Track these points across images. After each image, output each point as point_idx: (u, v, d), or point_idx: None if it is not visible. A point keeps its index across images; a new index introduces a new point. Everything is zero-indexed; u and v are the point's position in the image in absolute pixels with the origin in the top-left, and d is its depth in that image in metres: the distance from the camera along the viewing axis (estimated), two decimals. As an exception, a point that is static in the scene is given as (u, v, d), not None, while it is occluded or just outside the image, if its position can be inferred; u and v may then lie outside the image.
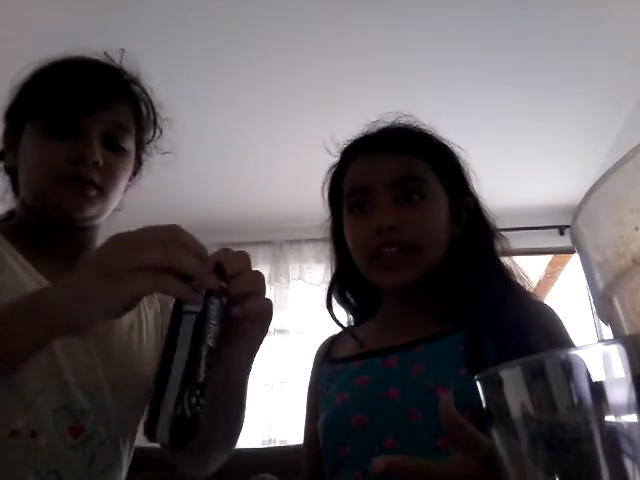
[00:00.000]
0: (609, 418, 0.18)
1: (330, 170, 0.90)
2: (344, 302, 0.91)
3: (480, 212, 0.85)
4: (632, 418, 0.17)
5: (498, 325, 0.70)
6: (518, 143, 2.72)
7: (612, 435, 0.18)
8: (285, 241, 3.47)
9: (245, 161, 2.92)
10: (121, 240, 0.51)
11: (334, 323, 0.90)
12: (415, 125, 0.86)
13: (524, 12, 1.94)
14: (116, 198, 0.83)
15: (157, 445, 0.56)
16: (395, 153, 0.80)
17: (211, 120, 2.58)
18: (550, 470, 0.20)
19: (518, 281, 0.82)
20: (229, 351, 0.56)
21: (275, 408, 3.08)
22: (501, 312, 0.72)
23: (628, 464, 0.18)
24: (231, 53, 2.16)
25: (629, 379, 0.17)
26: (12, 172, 0.84)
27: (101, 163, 0.77)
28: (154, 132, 0.91)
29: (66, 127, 0.77)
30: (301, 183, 2.54)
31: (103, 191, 0.78)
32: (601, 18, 1.97)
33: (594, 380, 0.18)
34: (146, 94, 0.89)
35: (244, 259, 0.59)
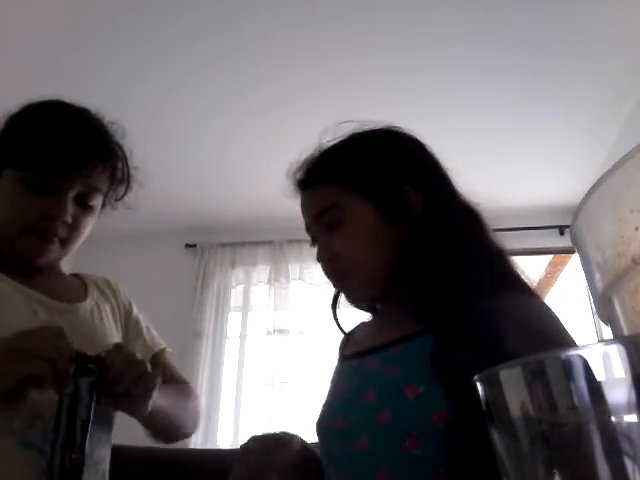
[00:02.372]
0: (609, 418, 0.18)
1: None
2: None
3: (434, 200, 0.78)
4: (632, 418, 0.17)
5: (466, 327, 0.65)
6: (518, 143, 2.72)
7: (612, 435, 0.18)
8: (285, 241, 3.47)
9: (245, 161, 2.92)
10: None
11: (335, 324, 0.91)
12: (332, 143, 0.84)
13: (524, 12, 1.94)
14: (77, 245, 0.91)
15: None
16: (310, 188, 0.84)
17: (211, 121, 2.58)
18: (550, 470, 0.20)
19: (513, 270, 0.75)
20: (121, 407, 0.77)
21: (275, 408, 3.08)
22: (470, 312, 0.66)
23: (628, 464, 0.18)
24: (227, 57, 2.16)
25: (629, 379, 0.17)
26: None
27: (70, 222, 0.84)
28: (125, 191, 0.97)
29: (44, 184, 0.82)
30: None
31: (66, 242, 0.87)
32: (601, 18, 1.96)
33: (594, 380, 0.18)
34: (125, 158, 0.94)
35: (128, 359, 0.73)
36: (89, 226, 0.90)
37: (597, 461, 0.18)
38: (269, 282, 3.43)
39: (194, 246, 3.57)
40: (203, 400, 3.14)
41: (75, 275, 1.03)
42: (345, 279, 0.80)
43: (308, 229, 0.85)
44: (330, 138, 0.85)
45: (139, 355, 0.75)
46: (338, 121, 0.84)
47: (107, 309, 0.98)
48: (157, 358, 0.99)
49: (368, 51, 2.15)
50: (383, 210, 0.78)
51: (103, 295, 1.00)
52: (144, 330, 1.02)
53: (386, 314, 0.86)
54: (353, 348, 0.84)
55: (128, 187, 0.95)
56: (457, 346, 0.63)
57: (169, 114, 2.50)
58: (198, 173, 2.98)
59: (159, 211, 3.11)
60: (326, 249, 0.80)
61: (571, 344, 0.69)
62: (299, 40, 2.09)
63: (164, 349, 1.03)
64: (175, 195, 3.14)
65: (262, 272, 3.49)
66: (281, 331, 3.24)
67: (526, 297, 0.73)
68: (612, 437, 0.18)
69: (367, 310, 0.91)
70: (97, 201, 0.89)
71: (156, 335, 1.04)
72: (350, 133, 0.84)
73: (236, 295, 3.48)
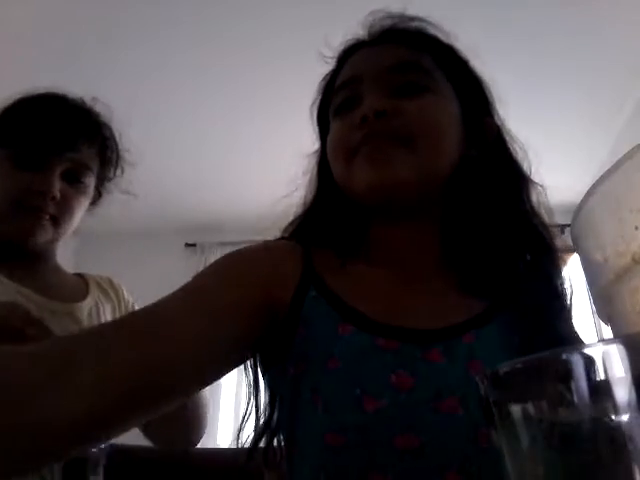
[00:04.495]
0: (609, 418, 0.18)
1: (322, 81, 0.72)
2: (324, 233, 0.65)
3: (504, 141, 0.67)
4: (632, 418, 0.17)
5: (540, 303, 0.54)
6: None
7: (612, 435, 0.18)
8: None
9: (245, 161, 2.92)
10: None
11: None
12: (431, 25, 0.70)
13: (524, 13, 1.94)
14: (70, 226, 0.91)
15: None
16: (396, 43, 0.64)
17: (211, 121, 2.58)
18: (550, 470, 0.20)
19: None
20: None
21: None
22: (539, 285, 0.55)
23: (628, 464, 0.18)
24: (229, 57, 2.16)
25: (629, 379, 0.17)
26: None
27: (58, 197, 0.85)
28: (115, 171, 0.97)
29: (33, 161, 0.84)
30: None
31: (57, 220, 0.87)
32: (601, 19, 1.96)
33: (594, 380, 0.18)
34: (113, 138, 0.95)
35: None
36: (81, 206, 0.91)
37: (597, 461, 0.18)
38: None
39: (194, 246, 3.57)
40: (203, 400, 3.14)
41: (79, 275, 1.03)
42: (401, 146, 0.57)
43: (352, 83, 0.63)
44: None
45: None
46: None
47: (107, 309, 0.97)
48: None
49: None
50: (465, 116, 0.64)
51: (105, 295, 1.00)
52: None
53: (416, 266, 0.61)
54: (378, 312, 0.55)
55: (118, 167, 0.96)
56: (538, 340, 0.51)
57: (169, 114, 2.50)
58: (198, 173, 2.98)
59: (159, 210, 3.11)
60: (387, 104, 0.58)
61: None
62: (299, 40, 2.08)
63: None
64: (175, 194, 3.14)
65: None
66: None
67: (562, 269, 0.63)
68: (612, 437, 0.18)
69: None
70: (88, 179, 0.90)
71: None
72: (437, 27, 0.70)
73: (236, 295, 3.47)
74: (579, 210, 0.31)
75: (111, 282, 1.04)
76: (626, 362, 0.18)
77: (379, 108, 0.57)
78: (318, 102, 0.70)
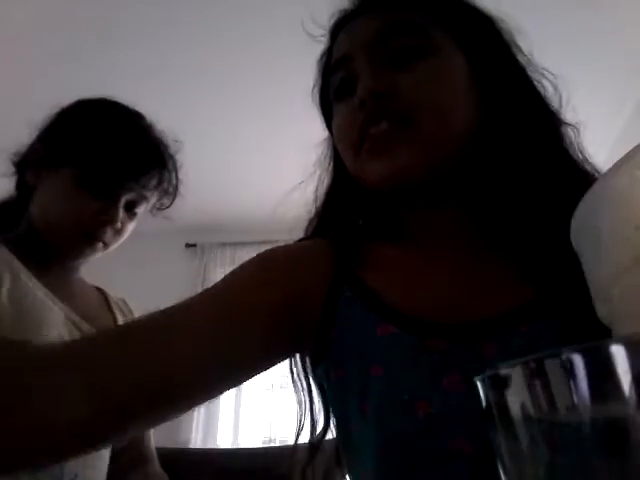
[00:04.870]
0: (609, 418, 0.18)
1: (319, 61, 0.67)
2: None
3: (529, 84, 0.59)
4: (632, 418, 0.17)
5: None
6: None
7: (612, 435, 0.18)
8: (285, 241, 3.46)
9: (245, 161, 2.92)
10: None
11: None
12: None
13: (523, 14, 1.95)
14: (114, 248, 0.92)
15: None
16: (381, 11, 0.58)
17: (211, 122, 2.59)
18: (550, 470, 0.20)
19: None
20: None
21: (275, 407, 3.08)
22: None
23: (628, 465, 0.18)
24: (229, 57, 2.16)
25: (629, 379, 0.17)
26: (26, 187, 0.88)
27: (119, 228, 0.86)
28: (170, 203, 0.97)
29: (100, 187, 0.83)
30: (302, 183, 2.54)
31: (108, 246, 0.88)
32: (601, 20, 1.97)
33: (594, 380, 0.18)
34: (176, 171, 0.95)
35: None
36: (129, 230, 0.92)
37: (597, 461, 0.18)
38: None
39: (194, 246, 3.57)
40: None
41: (97, 288, 1.02)
42: (403, 128, 0.52)
43: (344, 59, 0.58)
44: None
45: None
46: None
47: None
48: None
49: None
50: (477, 74, 0.57)
51: (124, 318, 0.99)
52: None
53: (460, 247, 0.56)
54: (418, 307, 0.50)
55: (174, 199, 0.96)
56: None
57: (169, 114, 2.50)
58: (198, 173, 2.98)
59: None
60: (383, 82, 0.53)
61: None
62: (299, 40, 2.08)
63: None
64: (175, 195, 3.15)
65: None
66: (281, 331, 3.24)
67: None
68: (612, 437, 0.18)
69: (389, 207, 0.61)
70: (142, 209, 0.91)
71: None
72: None
73: (236, 295, 3.47)
74: (579, 210, 0.31)
75: (126, 304, 1.04)
76: (626, 363, 0.18)
77: (374, 88, 0.53)
78: (319, 85, 0.66)
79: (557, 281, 0.48)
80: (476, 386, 0.42)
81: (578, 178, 0.54)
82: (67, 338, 0.79)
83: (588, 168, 0.56)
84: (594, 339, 0.18)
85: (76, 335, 0.82)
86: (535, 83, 0.60)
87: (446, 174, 0.55)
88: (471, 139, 0.55)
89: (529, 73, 0.61)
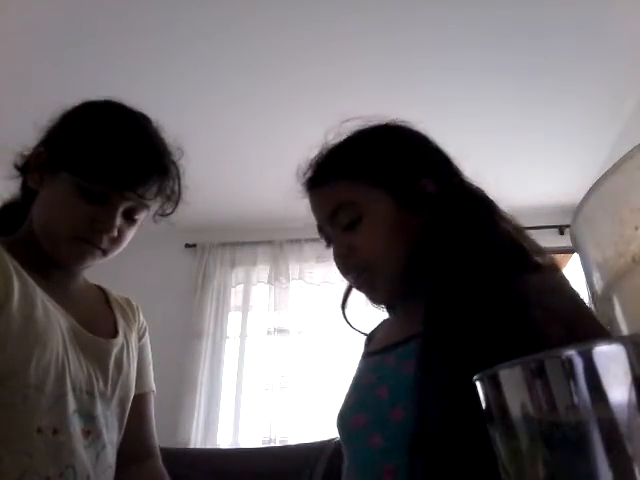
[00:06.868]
0: (609, 418, 0.18)
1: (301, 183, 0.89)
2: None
3: (447, 185, 0.78)
4: (632, 418, 0.17)
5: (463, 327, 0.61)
6: (518, 143, 2.72)
7: (612, 435, 0.18)
8: (285, 241, 3.47)
9: (245, 161, 2.92)
10: None
11: (342, 324, 0.92)
12: (340, 140, 0.83)
13: (523, 13, 1.94)
14: (115, 255, 0.90)
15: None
16: (320, 187, 0.82)
17: (211, 121, 2.59)
18: (550, 470, 0.20)
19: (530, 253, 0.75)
20: None
21: (275, 408, 3.08)
22: (471, 309, 0.62)
23: (628, 464, 0.18)
24: (228, 58, 2.16)
25: (629, 379, 0.17)
26: (28, 190, 0.87)
27: (116, 236, 0.85)
28: (173, 209, 0.96)
29: (98, 195, 0.82)
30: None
31: (106, 253, 0.87)
32: (601, 19, 1.96)
33: (594, 380, 0.18)
34: (179, 177, 0.94)
35: None
36: (129, 237, 0.90)
37: (597, 461, 0.18)
38: (269, 282, 3.43)
39: (194, 246, 3.57)
40: (203, 400, 3.14)
41: (98, 287, 1.01)
42: (368, 274, 0.78)
43: (321, 230, 0.84)
44: (335, 136, 0.84)
45: None
46: (342, 119, 0.84)
47: (132, 339, 0.97)
48: (140, 398, 0.97)
49: (367, 51, 2.15)
50: (401, 201, 0.78)
51: (127, 321, 0.99)
52: (148, 365, 1.02)
53: (405, 310, 0.84)
54: (376, 345, 0.84)
55: (176, 206, 0.95)
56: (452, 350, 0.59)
57: (169, 114, 2.50)
58: (199, 173, 2.98)
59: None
60: (344, 245, 0.79)
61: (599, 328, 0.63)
62: (299, 41, 2.09)
63: (151, 392, 1.01)
64: (175, 195, 3.14)
65: (262, 272, 3.49)
66: (281, 331, 3.24)
67: (540, 278, 0.69)
68: (612, 437, 0.18)
69: (387, 308, 0.90)
70: (142, 215, 0.89)
71: (152, 374, 1.03)
72: (356, 130, 0.83)
73: (236, 295, 3.47)
74: (579, 210, 0.31)
75: (130, 303, 1.03)
76: (626, 362, 0.18)
77: (338, 254, 0.80)
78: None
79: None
80: (372, 379, 0.76)
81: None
82: (68, 345, 0.80)
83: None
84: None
85: (76, 343, 0.82)
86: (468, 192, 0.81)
87: (405, 277, 0.75)
88: (413, 247, 0.74)
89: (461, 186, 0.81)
